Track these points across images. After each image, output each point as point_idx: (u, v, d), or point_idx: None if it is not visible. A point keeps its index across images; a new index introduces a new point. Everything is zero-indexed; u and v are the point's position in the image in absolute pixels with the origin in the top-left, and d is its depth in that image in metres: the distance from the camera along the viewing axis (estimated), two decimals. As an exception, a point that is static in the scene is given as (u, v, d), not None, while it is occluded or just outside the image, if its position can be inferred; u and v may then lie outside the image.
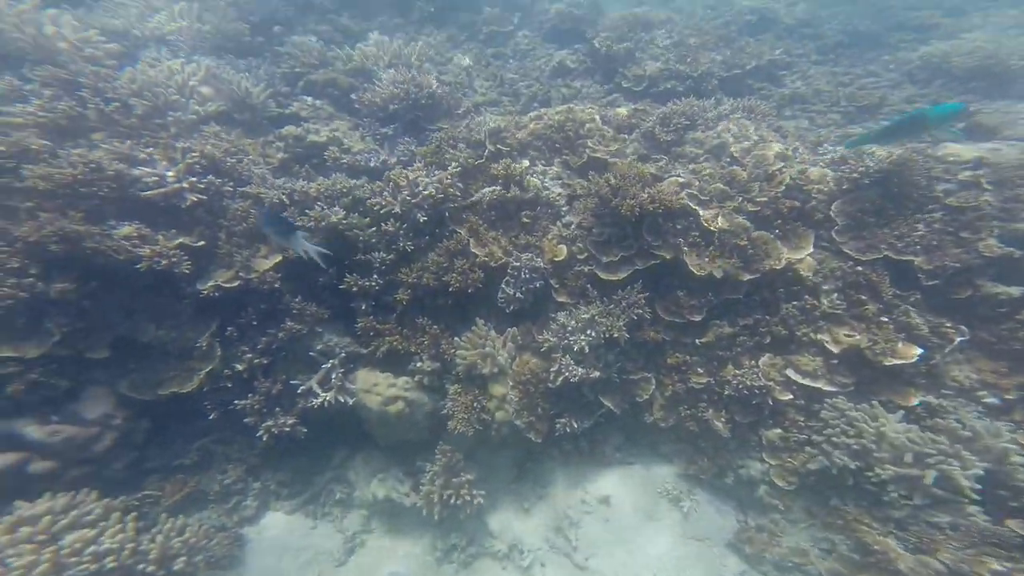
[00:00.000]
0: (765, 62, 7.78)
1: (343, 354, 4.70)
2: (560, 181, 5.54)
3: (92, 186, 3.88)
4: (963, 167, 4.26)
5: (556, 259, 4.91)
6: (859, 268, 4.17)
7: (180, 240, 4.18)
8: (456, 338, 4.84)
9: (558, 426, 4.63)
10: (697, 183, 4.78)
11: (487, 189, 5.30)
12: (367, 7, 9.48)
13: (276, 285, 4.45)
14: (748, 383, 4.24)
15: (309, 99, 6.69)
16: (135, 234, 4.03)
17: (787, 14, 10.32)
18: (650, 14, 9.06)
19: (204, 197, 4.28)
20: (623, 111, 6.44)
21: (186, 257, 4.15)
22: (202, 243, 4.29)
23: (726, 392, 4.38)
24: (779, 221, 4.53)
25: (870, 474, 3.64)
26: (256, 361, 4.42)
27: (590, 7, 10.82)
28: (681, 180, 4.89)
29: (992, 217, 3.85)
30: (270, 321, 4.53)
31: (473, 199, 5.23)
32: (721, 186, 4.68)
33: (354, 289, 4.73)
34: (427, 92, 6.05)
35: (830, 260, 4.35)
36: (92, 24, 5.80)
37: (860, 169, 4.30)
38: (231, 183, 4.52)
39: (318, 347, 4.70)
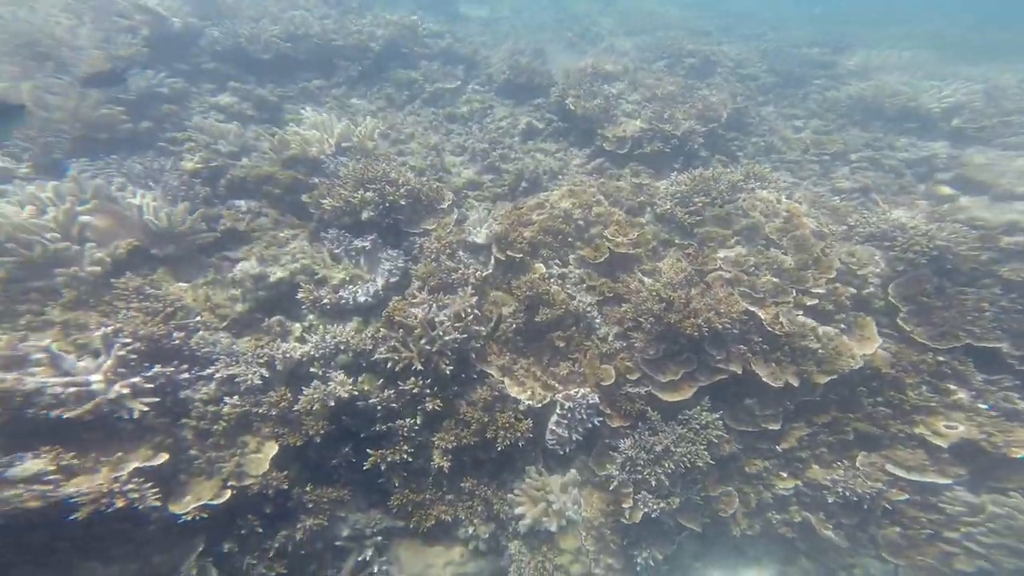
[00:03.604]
0: (731, 111, 8.43)
1: (378, 536, 4.19)
2: (584, 285, 5.28)
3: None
4: (998, 231, 4.79)
5: (604, 382, 4.67)
6: (940, 359, 4.41)
7: (134, 464, 3.10)
8: (509, 494, 4.48)
9: (639, 561, 4.50)
10: (746, 278, 4.80)
11: (506, 311, 4.87)
12: (279, 70, 8.68)
13: (284, 487, 3.70)
14: (857, 488, 4.31)
15: (243, 203, 5.71)
16: (51, 468, 2.90)
17: (722, 55, 11.53)
18: (605, 64, 9.45)
19: (156, 399, 3.24)
20: (624, 184, 6.44)
21: (150, 485, 3.14)
22: (164, 458, 3.24)
23: (830, 500, 4.43)
24: (841, 315, 4.68)
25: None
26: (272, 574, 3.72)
27: (534, 55, 11.12)
28: (727, 275, 4.88)
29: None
30: (279, 520, 3.89)
31: (493, 327, 4.78)
32: (773, 279, 4.75)
33: (383, 467, 4.02)
34: (405, 189, 5.46)
35: (907, 352, 4.55)
36: None
37: (915, 248, 4.62)
38: (187, 366, 3.51)
39: (344, 533, 4.15)
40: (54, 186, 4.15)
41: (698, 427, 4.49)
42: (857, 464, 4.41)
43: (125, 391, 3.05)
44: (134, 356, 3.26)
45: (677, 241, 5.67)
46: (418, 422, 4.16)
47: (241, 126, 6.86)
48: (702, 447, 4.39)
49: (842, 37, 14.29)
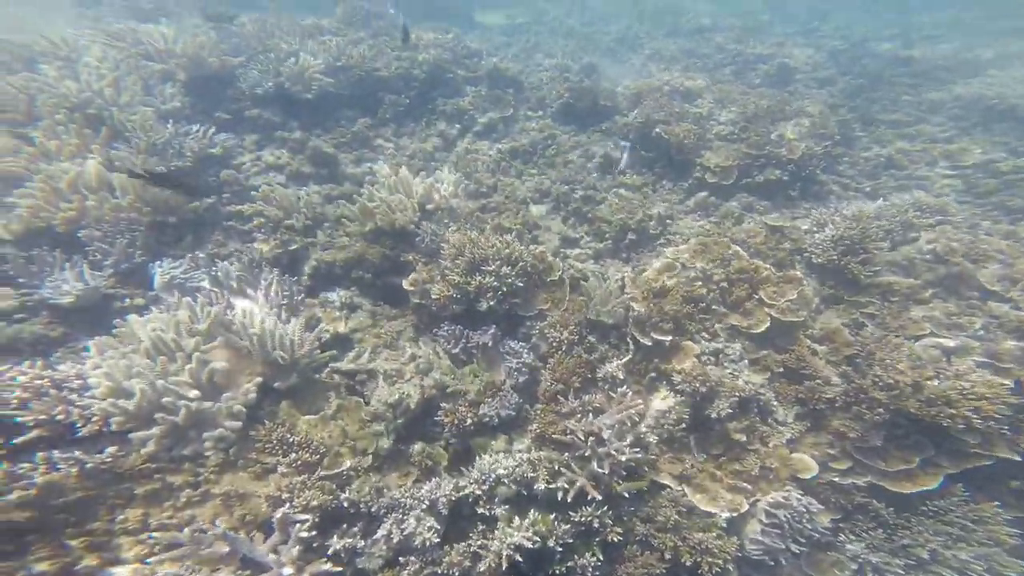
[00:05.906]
0: (836, 123, 8.19)
1: None
2: (746, 362, 5.07)
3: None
4: None
5: (801, 475, 4.55)
6: None
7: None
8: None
9: None
10: (977, 346, 4.57)
11: (663, 405, 4.70)
12: (322, 108, 8.48)
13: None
14: None
15: (335, 297, 5.51)
16: None
17: (793, 58, 11.34)
18: (682, 80, 9.23)
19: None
20: (754, 228, 6.22)
21: None
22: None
23: None
24: None
25: None
26: None
27: (586, 71, 10.93)
28: (950, 344, 4.64)
29: None
30: None
31: (663, 430, 4.60)
32: (1018, 343, 4.51)
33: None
34: (520, 266, 5.23)
35: None
36: None
37: None
38: (356, 529, 3.32)
39: None
40: (175, 323, 3.94)
41: (966, 522, 4.31)
42: None
43: (319, 589, 2.87)
44: (313, 532, 3.08)
45: (847, 297, 5.42)
46: (600, 558, 3.95)
47: (308, 192, 6.68)
48: (992, 548, 4.21)
49: (900, 27, 14.14)
